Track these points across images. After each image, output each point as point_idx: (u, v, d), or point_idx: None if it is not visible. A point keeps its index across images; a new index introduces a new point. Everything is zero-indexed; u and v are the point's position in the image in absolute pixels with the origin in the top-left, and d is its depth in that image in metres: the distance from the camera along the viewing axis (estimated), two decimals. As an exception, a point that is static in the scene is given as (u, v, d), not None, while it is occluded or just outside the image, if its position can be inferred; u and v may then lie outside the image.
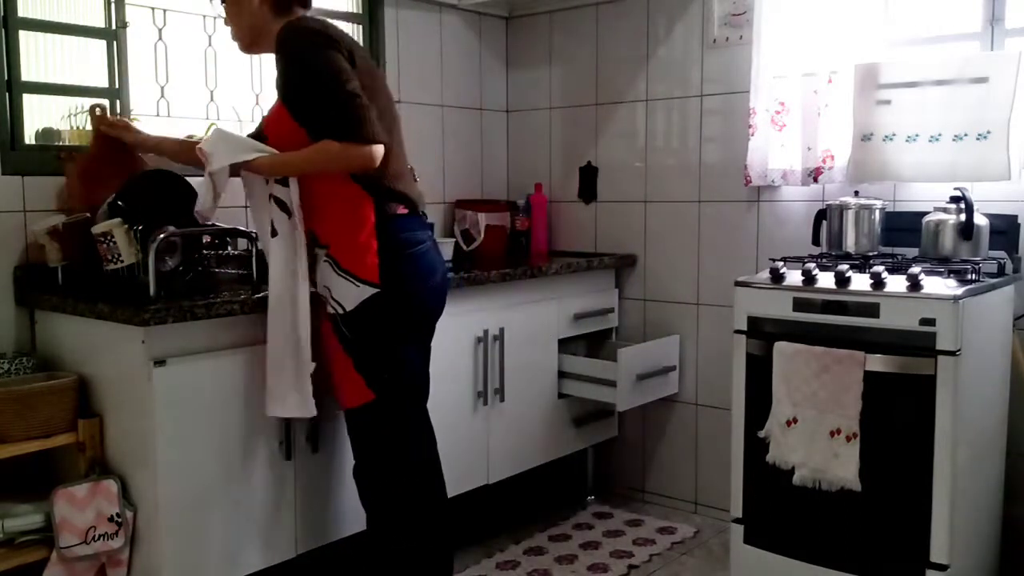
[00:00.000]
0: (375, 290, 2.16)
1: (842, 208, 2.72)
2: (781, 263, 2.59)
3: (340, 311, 2.19)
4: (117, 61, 2.65)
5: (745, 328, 2.55)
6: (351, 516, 2.54)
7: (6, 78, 2.42)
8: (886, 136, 2.79)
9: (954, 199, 2.56)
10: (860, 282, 2.39)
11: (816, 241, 2.82)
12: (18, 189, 2.42)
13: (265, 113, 2.52)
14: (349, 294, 2.17)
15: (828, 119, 2.90)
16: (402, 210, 2.25)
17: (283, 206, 2.19)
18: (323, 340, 2.26)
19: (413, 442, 2.34)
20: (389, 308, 2.20)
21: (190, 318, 2.11)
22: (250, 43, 2.31)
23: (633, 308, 3.52)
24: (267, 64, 3.11)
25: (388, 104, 2.29)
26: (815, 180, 2.93)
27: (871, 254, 2.69)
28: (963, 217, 2.53)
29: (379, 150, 2.11)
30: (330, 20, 2.26)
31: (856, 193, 2.76)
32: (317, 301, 2.25)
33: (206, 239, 2.51)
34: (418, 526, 2.33)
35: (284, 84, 2.19)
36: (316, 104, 2.11)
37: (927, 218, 2.63)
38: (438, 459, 2.42)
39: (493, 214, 3.54)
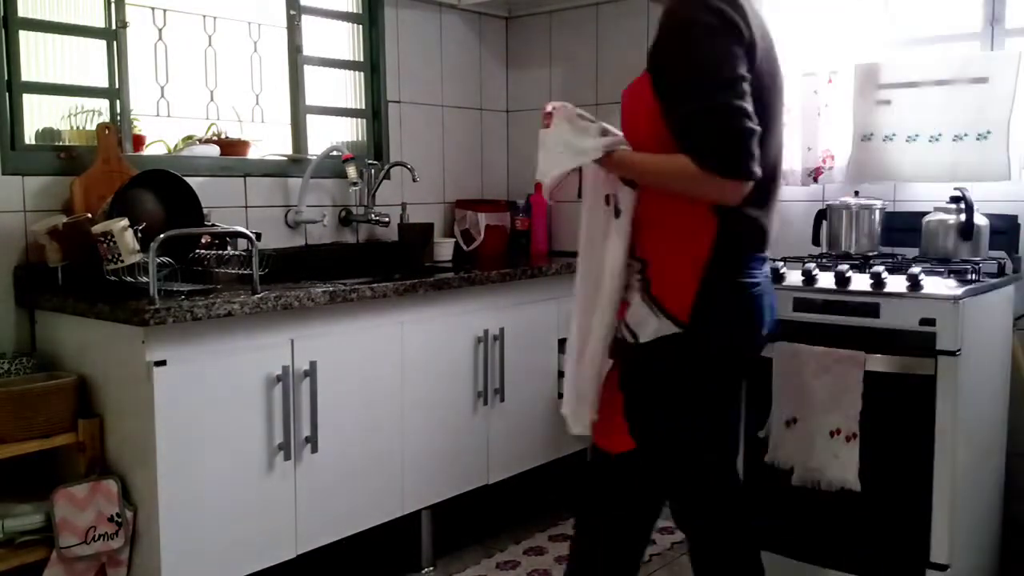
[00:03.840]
0: (677, 330, 1.76)
1: (842, 208, 2.72)
2: (781, 263, 2.59)
3: (630, 339, 1.82)
4: (117, 61, 2.65)
5: (745, 328, 2.55)
6: (351, 516, 2.55)
7: (6, 78, 2.42)
8: (886, 136, 2.79)
9: (954, 199, 2.57)
10: (860, 282, 2.39)
11: (816, 241, 2.82)
12: (18, 189, 2.42)
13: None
14: (647, 324, 1.79)
15: (828, 119, 2.90)
16: (748, 242, 1.81)
17: (611, 201, 1.89)
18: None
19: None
20: (686, 357, 1.79)
21: (190, 318, 2.11)
22: None
23: (633, 308, 3.51)
24: (268, 64, 3.12)
25: (778, 109, 1.84)
26: (815, 180, 2.93)
27: (871, 254, 2.69)
28: (963, 217, 2.53)
29: (747, 187, 1.66)
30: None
31: (856, 193, 2.76)
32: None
33: (206, 239, 2.51)
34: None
35: (654, 55, 1.75)
36: (688, 105, 1.66)
37: (927, 218, 2.63)
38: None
39: (493, 214, 3.54)
